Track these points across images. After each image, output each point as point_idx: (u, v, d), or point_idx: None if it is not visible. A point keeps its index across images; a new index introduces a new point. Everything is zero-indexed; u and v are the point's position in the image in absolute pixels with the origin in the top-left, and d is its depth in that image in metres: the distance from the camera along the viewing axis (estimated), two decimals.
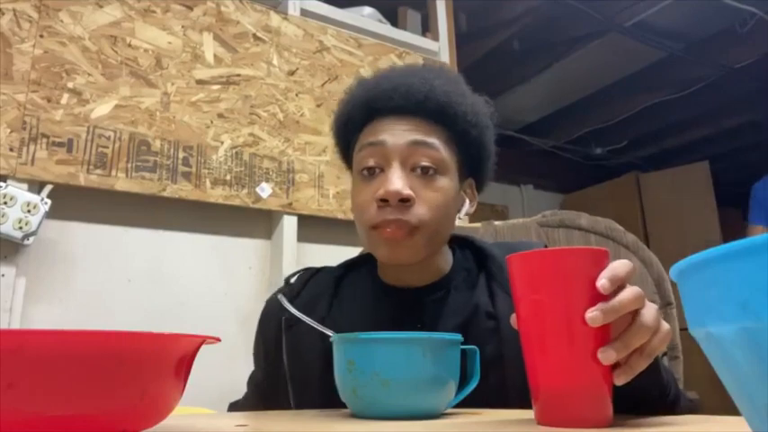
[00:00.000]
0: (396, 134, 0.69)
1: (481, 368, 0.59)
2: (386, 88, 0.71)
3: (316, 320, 0.70)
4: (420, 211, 0.67)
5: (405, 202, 0.67)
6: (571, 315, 0.45)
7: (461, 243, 0.81)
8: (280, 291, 0.81)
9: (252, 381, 0.87)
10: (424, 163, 0.69)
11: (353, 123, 0.75)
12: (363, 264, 0.82)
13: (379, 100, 0.71)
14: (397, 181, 0.66)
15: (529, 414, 0.49)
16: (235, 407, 0.88)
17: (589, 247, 0.48)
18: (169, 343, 0.39)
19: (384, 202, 0.67)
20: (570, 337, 0.45)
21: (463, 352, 0.58)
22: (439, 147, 0.70)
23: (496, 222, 1.08)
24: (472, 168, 0.76)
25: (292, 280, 0.82)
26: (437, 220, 0.69)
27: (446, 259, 0.77)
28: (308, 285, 0.80)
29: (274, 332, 0.77)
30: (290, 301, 0.75)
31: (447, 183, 0.70)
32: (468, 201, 0.76)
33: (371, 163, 0.70)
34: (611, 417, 0.45)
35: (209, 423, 0.54)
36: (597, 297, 0.44)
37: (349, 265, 0.83)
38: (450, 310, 0.72)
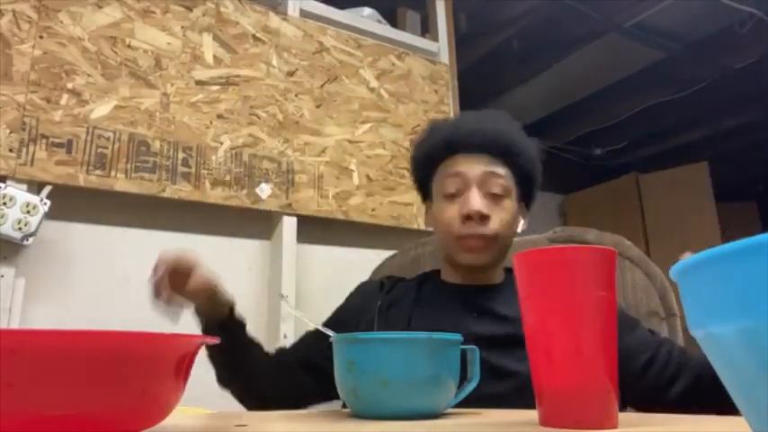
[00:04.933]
0: (472, 166, 0.88)
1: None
2: (464, 131, 0.90)
3: (407, 305, 0.90)
4: (495, 225, 0.86)
5: (483, 219, 0.85)
6: (577, 314, 0.44)
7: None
8: (378, 281, 1.00)
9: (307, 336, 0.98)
10: (495, 189, 0.87)
11: (434, 159, 0.93)
12: (432, 277, 0.99)
13: (459, 140, 0.90)
14: (476, 201, 0.85)
15: (530, 415, 0.49)
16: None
17: (595, 246, 0.48)
18: (169, 343, 0.39)
19: (467, 218, 0.85)
20: (576, 338, 0.45)
21: (463, 352, 0.58)
22: (506, 176, 0.88)
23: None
24: (524, 195, 0.95)
25: (385, 281, 0.99)
26: (506, 233, 0.88)
27: (499, 274, 0.94)
28: (395, 288, 0.96)
29: (370, 313, 0.92)
30: (384, 295, 0.94)
31: (511, 204, 0.89)
32: (522, 220, 0.94)
33: (453, 190, 0.88)
34: (617, 419, 0.45)
35: (209, 423, 0.54)
36: (603, 297, 0.44)
37: (425, 276, 1.00)
38: (501, 304, 0.87)
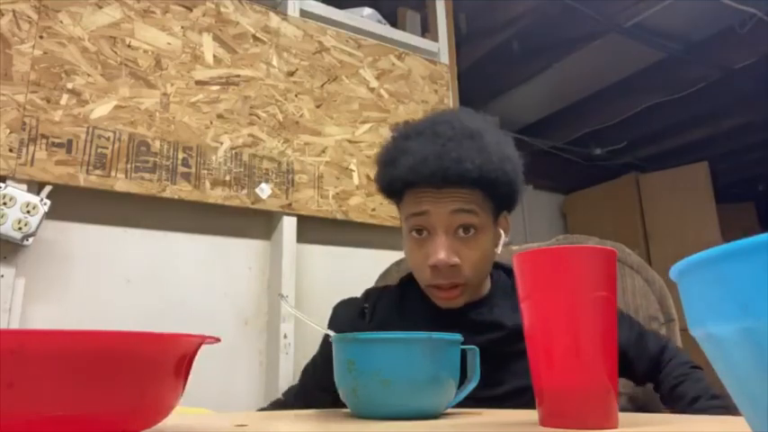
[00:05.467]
0: (438, 204, 0.80)
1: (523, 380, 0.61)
2: (423, 173, 0.79)
3: (394, 327, 0.84)
4: (466, 272, 0.81)
5: (452, 267, 0.79)
6: (577, 314, 0.44)
7: (495, 265, 0.92)
8: (358, 308, 0.94)
9: (306, 371, 0.99)
10: (465, 225, 0.80)
11: (395, 192, 0.87)
12: (413, 283, 0.91)
13: (418, 180, 0.80)
14: (443, 252, 0.78)
15: (530, 415, 0.49)
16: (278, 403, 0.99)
17: (595, 246, 0.48)
18: (169, 343, 0.39)
19: (435, 268, 0.80)
20: (576, 338, 0.45)
21: (463, 352, 0.58)
22: (477, 210, 0.81)
23: (513, 247, 1.15)
24: (505, 206, 0.87)
25: (366, 305, 0.93)
26: (481, 272, 0.84)
27: (485, 283, 0.90)
28: (376, 310, 0.92)
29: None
30: (368, 323, 0.90)
31: (485, 238, 0.82)
32: (503, 233, 0.87)
33: (419, 225, 0.82)
34: (617, 419, 0.45)
35: (209, 423, 0.54)
36: (603, 297, 0.44)
37: (405, 287, 0.94)
38: (494, 325, 0.83)
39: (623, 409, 0.51)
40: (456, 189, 0.79)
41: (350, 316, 0.93)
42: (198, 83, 1.55)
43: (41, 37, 1.36)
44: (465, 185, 0.79)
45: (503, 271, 0.94)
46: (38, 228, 1.26)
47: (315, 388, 0.93)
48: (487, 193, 0.81)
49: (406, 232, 0.86)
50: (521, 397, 0.69)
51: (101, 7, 1.45)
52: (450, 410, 0.59)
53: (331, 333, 0.59)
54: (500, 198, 0.84)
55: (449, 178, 0.78)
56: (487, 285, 0.90)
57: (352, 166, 1.76)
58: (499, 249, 0.85)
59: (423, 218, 0.81)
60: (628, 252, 1.08)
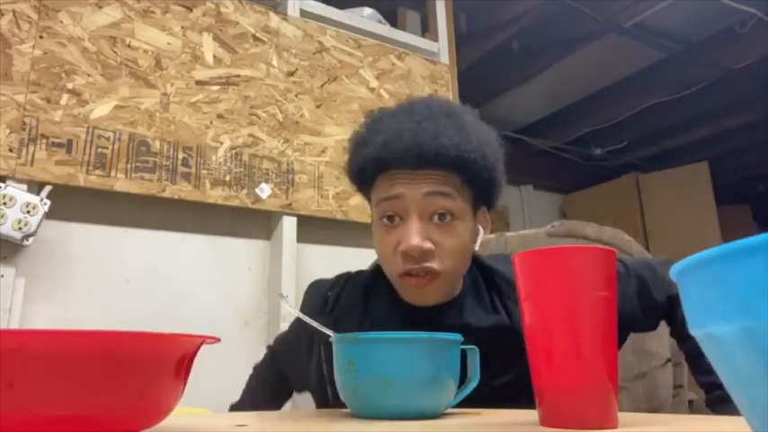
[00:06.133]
0: (412, 187, 0.73)
1: (509, 384, 0.59)
2: (397, 150, 0.73)
3: (352, 323, 0.79)
4: (441, 258, 0.73)
5: (426, 254, 0.72)
6: (577, 314, 0.44)
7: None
8: (318, 300, 0.87)
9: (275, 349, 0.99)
10: (441, 211, 0.73)
11: (366, 175, 0.79)
12: (382, 277, 0.84)
13: (391, 160, 0.74)
14: (416, 237, 0.71)
15: (530, 415, 0.49)
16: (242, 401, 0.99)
17: (595, 246, 0.48)
18: (169, 343, 0.39)
19: (407, 256, 0.72)
20: (576, 338, 0.45)
21: (463, 352, 0.58)
22: (454, 195, 0.73)
23: (508, 234, 1.12)
24: (485, 199, 0.80)
25: (330, 293, 0.87)
26: (457, 264, 0.75)
27: (459, 284, 0.81)
28: (340, 299, 0.85)
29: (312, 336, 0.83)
30: (328, 313, 0.83)
31: (463, 227, 0.75)
32: (482, 230, 0.79)
33: (390, 212, 0.75)
34: (617, 419, 0.45)
35: (209, 423, 0.54)
36: (603, 297, 0.44)
37: (373, 278, 0.87)
38: (460, 328, 0.73)
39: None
40: (432, 171, 0.73)
41: (313, 303, 0.87)
42: (198, 83, 1.55)
43: (41, 37, 1.36)
44: (441, 166, 0.72)
45: (476, 265, 0.84)
46: (38, 228, 1.26)
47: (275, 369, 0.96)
48: (466, 178, 0.74)
49: (377, 219, 0.78)
50: (494, 398, 0.67)
51: (101, 7, 1.45)
52: (450, 410, 0.59)
53: (331, 333, 0.59)
54: (479, 186, 0.77)
55: (424, 155, 0.71)
56: (459, 286, 0.81)
57: None
58: (477, 246, 0.78)
59: (395, 202, 0.74)
60: (628, 239, 1.05)
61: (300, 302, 0.93)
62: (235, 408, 0.97)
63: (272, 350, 1.02)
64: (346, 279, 0.89)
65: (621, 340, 0.83)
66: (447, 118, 0.75)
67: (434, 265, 0.72)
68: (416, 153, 0.71)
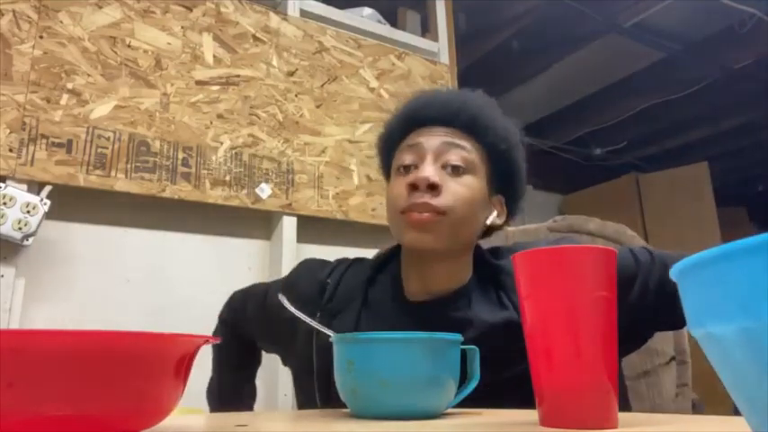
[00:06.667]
0: (431, 138, 0.77)
1: (511, 382, 0.59)
2: (423, 101, 0.80)
3: (346, 330, 0.73)
4: (447, 198, 0.73)
5: (433, 189, 0.72)
6: (577, 314, 0.44)
7: (479, 250, 0.84)
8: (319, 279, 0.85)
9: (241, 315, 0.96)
10: (454, 162, 0.75)
11: (394, 135, 0.82)
12: (388, 266, 0.84)
13: (417, 110, 0.79)
14: (428, 169, 0.73)
15: (530, 415, 0.49)
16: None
17: (596, 245, 0.48)
18: (169, 343, 0.39)
19: (414, 188, 0.73)
20: (575, 337, 0.45)
21: (463, 352, 0.58)
22: (469, 149, 0.76)
23: (509, 228, 1.10)
24: (502, 184, 0.81)
25: (329, 280, 0.84)
26: (462, 211, 0.73)
27: (466, 269, 0.80)
28: (339, 287, 0.83)
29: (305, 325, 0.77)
30: (325, 304, 0.80)
31: (474, 181, 0.76)
32: (496, 212, 0.80)
33: (407, 161, 0.76)
34: (617, 419, 0.45)
35: (208, 423, 0.54)
36: (603, 297, 0.44)
37: (378, 266, 0.85)
38: (466, 322, 0.74)
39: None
40: (452, 129, 0.77)
41: (309, 288, 0.84)
42: (198, 83, 1.55)
43: (41, 37, 1.36)
44: (460, 125, 0.77)
45: (480, 260, 0.83)
46: (38, 228, 1.26)
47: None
48: (483, 144, 0.78)
49: (393, 172, 0.80)
50: (495, 396, 0.65)
51: (101, 7, 1.45)
52: (450, 410, 0.58)
53: (331, 333, 0.59)
54: (496, 166, 0.79)
55: (446, 105, 0.78)
56: (467, 274, 0.80)
57: (353, 166, 1.76)
58: (489, 221, 0.78)
59: (413, 149, 0.77)
60: (630, 234, 1.03)
61: (289, 276, 0.92)
62: (216, 393, 0.96)
63: (233, 318, 0.99)
64: (347, 266, 0.87)
65: (645, 338, 0.81)
66: (478, 94, 0.82)
67: (439, 202, 0.72)
68: (441, 104, 0.78)
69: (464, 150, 0.76)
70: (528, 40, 2.80)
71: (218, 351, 0.98)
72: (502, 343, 0.69)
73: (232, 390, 0.96)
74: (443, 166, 0.75)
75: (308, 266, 0.91)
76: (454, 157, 0.75)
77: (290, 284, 0.88)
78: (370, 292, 0.82)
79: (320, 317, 0.78)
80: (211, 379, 0.97)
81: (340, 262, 0.89)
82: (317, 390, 0.77)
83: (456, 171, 0.75)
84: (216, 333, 0.99)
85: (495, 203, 0.81)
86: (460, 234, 0.75)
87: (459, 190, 0.74)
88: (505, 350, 0.67)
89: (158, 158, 1.45)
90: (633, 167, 4.15)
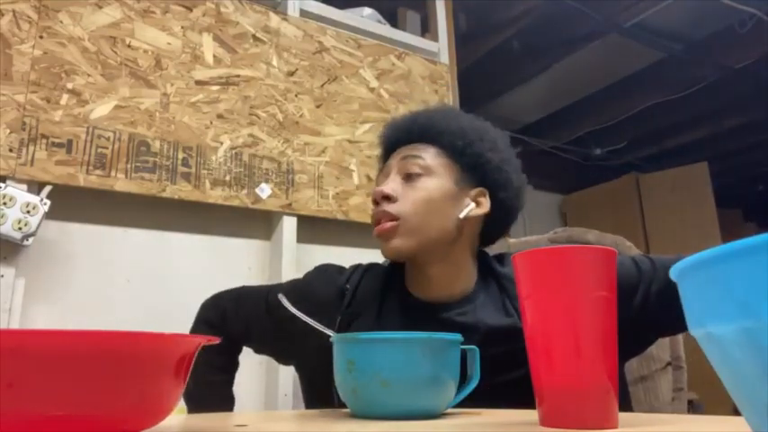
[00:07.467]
0: (396, 157, 0.87)
1: (512, 385, 0.59)
2: (386, 130, 0.92)
3: (369, 323, 0.81)
4: (401, 203, 0.80)
5: (388, 199, 0.81)
6: (577, 314, 0.44)
7: (484, 255, 0.89)
8: (339, 284, 0.89)
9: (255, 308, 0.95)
10: (411, 170, 0.83)
11: (380, 165, 0.93)
12: (399, 271, 0.89)
13: (385, 139, 0.92)
14: (385, 185, 0.82)
15: (530, 415, 0.49)
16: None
17: (596, 245, 0.48)
18: (169, 343, 0.39)
19: (375, 203, 0.82)
20: (576, 338, 0.45)
21: (463, 352, 0.58)
22: (425, 156, 0.84)
23: (510, 240, 1.14)
24: (476, 176, 0.85)
25: (348, 285, 0.88)
26: (418, 214, 0.80)
27: (470, 275, 0.85)
28: (357, 294, 0.87)
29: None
30: (345, 309, 0.85)
31: (432, 183, 0.82)
32: (473, 204, 0.84)
33: (380, 183, 0.86)
34: (617, 419, 0.45)
35: (209, 423, 0.54)
36: (603, 297, 0.44)
37: (390, 274, 0.90)
38: (470, 327, 0.77)
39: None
40: (413, 144, 0.86)
41: (328, 295, 0.88)
42: (198, 83, 1.55)
43: (41, 37, 1.36)
44: (417, 137, 0.86)
45: (484, 267, 0.87)
46: (38, 228, 1.26)
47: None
48: (441, 149, 0.85)
49: None
50: (495, 397, 0.66)
51: (101, 7, 1.45)
52: (450, 410, 0.59)
53: (331, 333, 0.59)
54: (462, 162, 0.84)
55: (400, 125, 0.89)
56: (471, 280, 0.84)
57: (352, 166, 1.76)
58: (462, 215, 0.82)
59: (384, 171, 0.88)
60: (628, 245, 1.07)
61: (303, 280, 0.94)
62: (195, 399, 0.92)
63: (221, 319, 0.98)
64: (363, 272, 0.91)
65: (648, 342, 0.85)
66: (440, 110, 0.92)
67: (392, 208, 0.80)
68: (394, 128, 0.90)
69: (420, 159, 0.83)
70: (528, 40, 2.80)
71: (200, 352, 0.97)
72: (505, 348, 0.70)
73: (208, 391, 0.94)
74: (404, 178, 0.83)
75: (326, 272, 0.95)
76: (411, 167, 0.83)
77: (304, 289, 0.91)
78: (384, 299, 0.86)
79: (340, 321, 0.83)
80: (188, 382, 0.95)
81: (356, 268, 0.93)
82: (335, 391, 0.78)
83: (411, 178, 0.83)
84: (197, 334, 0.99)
85: (472, 196, 0.85)
86: (426, 232, 0.80)
87: (413, 194, 0.81)
88: (508, 355, 0.69)
89: (158, 158, 1.45)
90: (633, 167, 4.15)
